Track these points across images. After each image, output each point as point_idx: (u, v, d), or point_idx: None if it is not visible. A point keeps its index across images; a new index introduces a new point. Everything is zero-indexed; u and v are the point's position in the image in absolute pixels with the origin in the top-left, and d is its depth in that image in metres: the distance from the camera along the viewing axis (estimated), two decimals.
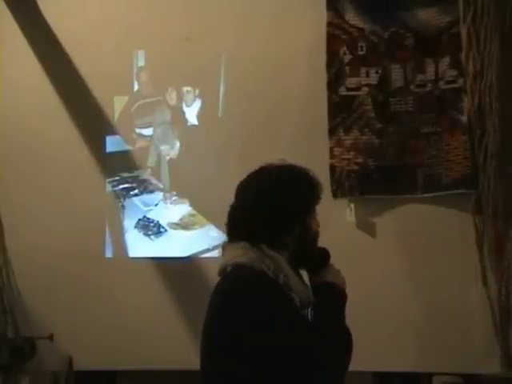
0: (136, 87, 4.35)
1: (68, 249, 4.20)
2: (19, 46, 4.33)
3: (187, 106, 4.29)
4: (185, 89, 4.29)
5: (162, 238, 4.26)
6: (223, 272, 2.11)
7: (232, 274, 2.07)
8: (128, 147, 4.33)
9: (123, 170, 4.32)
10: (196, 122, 4.29)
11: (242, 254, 2.07)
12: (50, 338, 4.09)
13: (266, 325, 1.94)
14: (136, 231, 4.27)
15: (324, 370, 1.96)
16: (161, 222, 4.26)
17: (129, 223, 4.28)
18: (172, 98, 4.31)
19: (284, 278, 2.04)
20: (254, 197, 2.13)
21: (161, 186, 4.30)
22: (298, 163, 2.23)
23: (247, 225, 2.11)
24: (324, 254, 2.24)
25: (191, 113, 4.29)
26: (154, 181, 4.31)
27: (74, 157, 4.29)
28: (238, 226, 2.14)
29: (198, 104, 4.28)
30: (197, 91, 4.28)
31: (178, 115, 4.31)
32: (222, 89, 4.21)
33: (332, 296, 2.13)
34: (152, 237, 4.26)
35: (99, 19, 4.32)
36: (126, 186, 4.31)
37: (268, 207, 2.11)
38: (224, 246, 2.18)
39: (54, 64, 4.34)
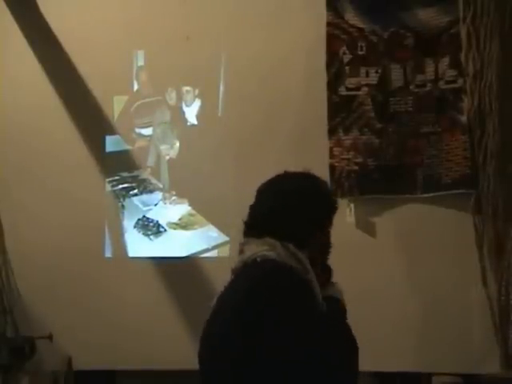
0: (136, 87, 4.35)
1: (67, 249, 4.20)
2: (19, 46, 4.33)
3: (187, 105, 4.29)
4: (184, 89, 4.29)
5: (161, 238, 4.26)
6: (249, 263, 2.04)
7: (262, 264, 2.01)
8: (128, 147, 4.33)
9: (123, 170, 4.32)
10: (196, 122, 4.28)
11: (271, 249, 2.03)
12: (50, 337, 4.09)
13: (298, 319, 1.91)
14: (135, 231, 4.27)
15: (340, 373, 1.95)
16: (160, 222, 4.26)
17: (128, 223, 4.28)
18: (172, 97, 4.30)
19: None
20: (280, 196, 2.12)
21: (160, 185, 4.30)
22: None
23: (274, 223, 2.08)
24: (329, 270, 2.24)
25: (191, 112, 4.29)
26: (153, 180, 4.31)
27: (74, 156, 4.29)
28: (263, 223, 2.10)
29: (197, 104, 4.28)
30: (196, 91, 4.28)
31: (178, 115, 4.31)
32: (221, 89, 4.21)
33: (339, 310, 2.12)
34: (151, 237, 4.26)
35: (99, 19, 4.32)
36: (125, 185, 4.31)
37: (294, 207, 2.10)
38: (245, 242, 2.12)
39: (54, 64, 4.35)
